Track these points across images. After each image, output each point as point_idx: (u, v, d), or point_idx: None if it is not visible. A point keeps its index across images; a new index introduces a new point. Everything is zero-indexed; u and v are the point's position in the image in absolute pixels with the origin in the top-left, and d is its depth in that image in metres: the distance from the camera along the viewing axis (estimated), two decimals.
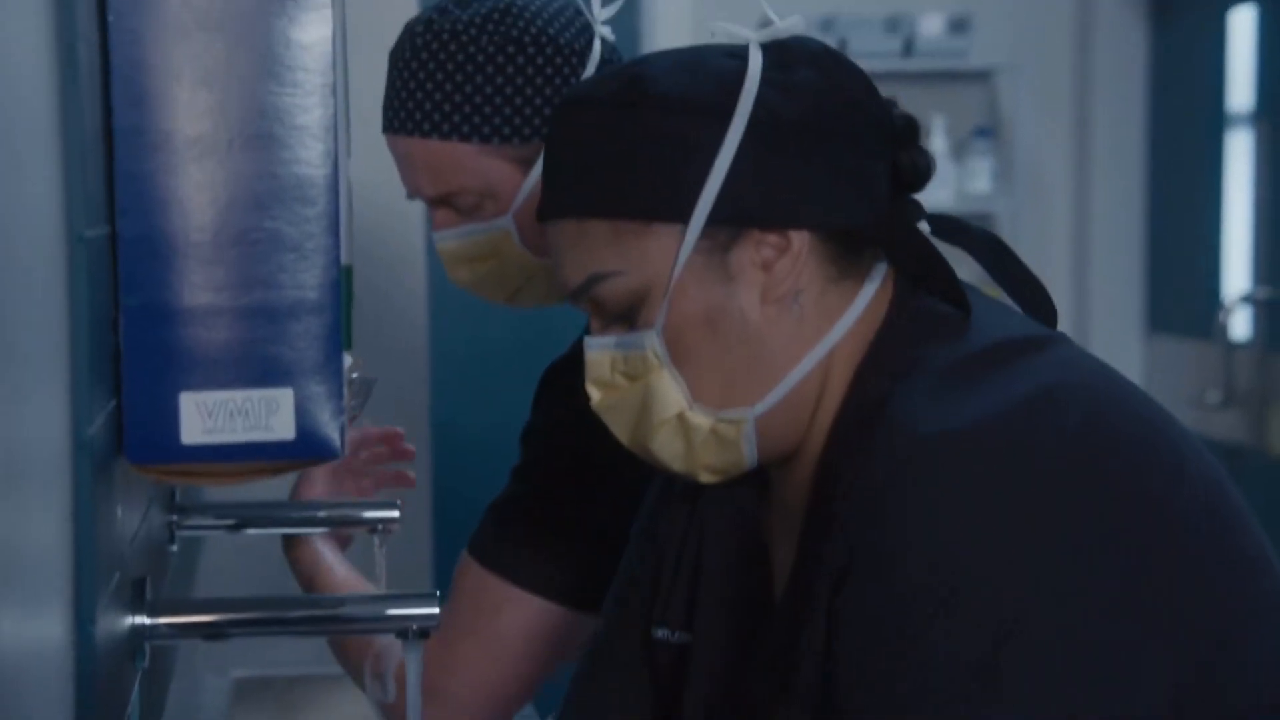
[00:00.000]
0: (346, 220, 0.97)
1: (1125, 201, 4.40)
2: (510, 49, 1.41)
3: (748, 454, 1.06)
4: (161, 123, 0.91)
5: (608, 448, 1.39)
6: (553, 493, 1.41)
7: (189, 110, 0.91)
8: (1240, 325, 3.92)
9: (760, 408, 1.04)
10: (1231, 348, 3.86)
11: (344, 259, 0.95)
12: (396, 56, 1.46)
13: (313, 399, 0.93)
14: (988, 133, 4.40)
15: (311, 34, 0.93)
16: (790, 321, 1.04)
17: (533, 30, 1.42)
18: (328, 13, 0.93)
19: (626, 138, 1.03)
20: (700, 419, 1.04)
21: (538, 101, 1.42)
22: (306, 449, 0.92)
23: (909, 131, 1.08)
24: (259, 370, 0.92)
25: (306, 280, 0.93)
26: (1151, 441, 0.99)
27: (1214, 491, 1.00)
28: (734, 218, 1.02)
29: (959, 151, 4.30)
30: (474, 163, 1.42)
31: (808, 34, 1.08)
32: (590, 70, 1.43)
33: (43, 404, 0.75)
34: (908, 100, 1.22)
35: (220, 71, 0.92)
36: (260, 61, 0.92)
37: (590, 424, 1.38)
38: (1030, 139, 4.38)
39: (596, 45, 1.45)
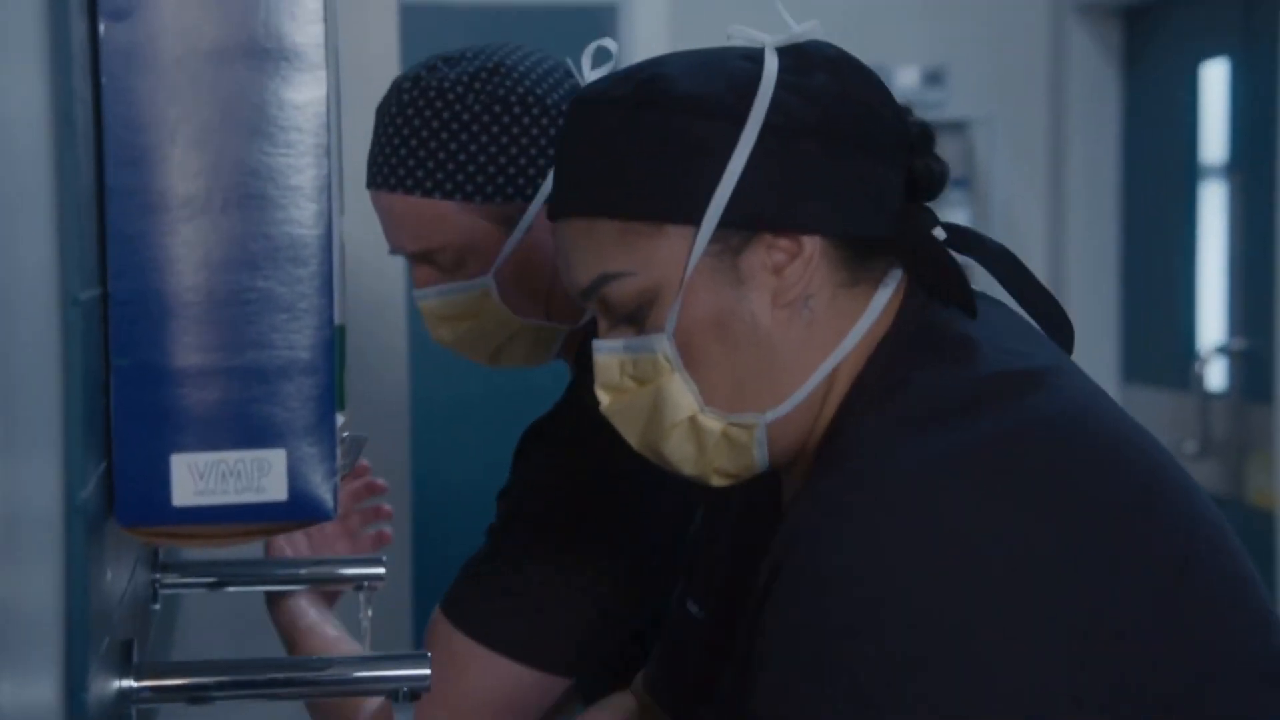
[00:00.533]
0: (339, 280, 0.97)
1: (1100, 252, 4.44)
2: (496, 108, 1.41)
3: (759, 457, 1.06)
4: (154, 183, 0.91)
5: (582, 510, 1.39)
6: (525, 555, 1.39)
7: (182, 170, 0.91)
8: (1216, 375, 3.94)
9: (772, 414, 1.04)
10: (1208, 398, 3.88)
11: (337, 319, 0.94)
12: (383, 112, 1.46)
13: (305, 460, 0.92)
14: (964, 183, 4.43)
15: (305, 95, 0.93)
16: (801, 326, 1.03)
17: (519, 90, 1.42)
18: (322, 74, 0.93)
19: (639, 137, 1.03)
20: (712, 423, 1.04)
21: (522, 161, 1.42)
22: (299, 510, 0.92)
23: (924, 139, 1.08)
24: (251, 431, 0.91)
25: (299, 341, 0.92)
26: (1118, 493, 0.98)
27: (1188, 544, 0.98)
28: (746, 221, 1.02)
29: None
30: (457, 220, 1.42)
31: (824, 38, 1.08)
32: None
33: (36, 467, 0.74)
34: None
35: (213, 132, 0.91)
36: (254, 122, 0.92)
37: (564, 486, 1.39)
38: (1006, 189, 4.42)
39: None
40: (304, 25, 0.93)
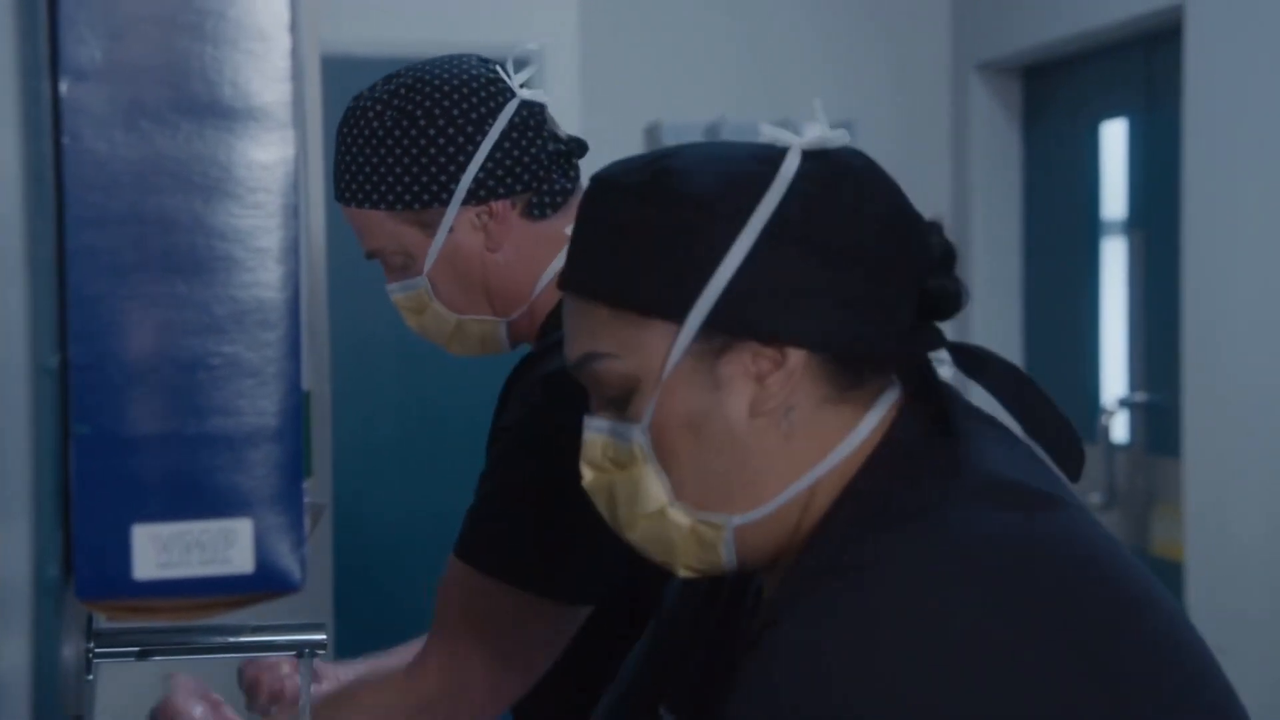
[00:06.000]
0: (307, 344, 0.94)
1: (1003, 306, 4.50)
2: (405, 123, 1.55)
3: (726, 557, 1.05)
4: (117, 244, 0.88)
5: (573, 441, 1.41)
6: (522, 489, 1.47)
7: (145, 232, 0.88)
8: (1120, 429, 4.00)
9: (740, 519, 1.03)
10: (1112, 450, 3.94)
11: (304, 385, 0.92)
12: (337, 130, 1.61)
13: (272, 530, 0.89)
14: None
15: (273, 155, 0.91)
16: (778, 436, 1.02)
17: (426, 104, 1.54)
18: (290, 133, 0.91)
19: (639, 227, 1.02)
20: (681, 517, 1.04)
21: (433, 170, 1.54)
22: (266, 582, 0.89)
23: (945, 258, 1.06)
24: (216, 500, 0.89)
25: (266, 406, 0.90)
26: (1097, 612, 0.96)
27: (1160, 678, 0.96)
28: (731, 326, 1.01)
29: None
30: (389, 227, 1.57)
31: (852, 145, 1.06)
32: (495, 133, 1.55)
33: (5, 541, 0.71)
34: None
35: (179, 192, 0.89)
36: (221, 183, 0.90)
37: (550, 417, 1.44)
38: None
39: (509, 110, 1.55)
40: (272, 84, 0.91)
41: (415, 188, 1.54)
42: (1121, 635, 0.96)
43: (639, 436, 1.03)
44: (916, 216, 1.06)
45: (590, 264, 1.05)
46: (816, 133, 1.04)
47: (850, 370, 1.03)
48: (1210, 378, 3.47)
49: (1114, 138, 4.15)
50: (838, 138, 1.04)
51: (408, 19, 4.19)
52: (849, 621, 0.93)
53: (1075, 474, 1.06)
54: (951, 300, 1.05)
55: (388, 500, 4.11)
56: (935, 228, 1.07)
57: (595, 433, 1.07)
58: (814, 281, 1.00)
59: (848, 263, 1.01)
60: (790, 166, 1.02)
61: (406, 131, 1.54)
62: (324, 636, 1.38)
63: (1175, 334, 3.62)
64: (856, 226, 1.01)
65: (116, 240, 0.88)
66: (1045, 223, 4.44)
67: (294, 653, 1.40)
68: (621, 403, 1.04)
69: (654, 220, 1.02)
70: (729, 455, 1.02)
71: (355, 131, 1.57)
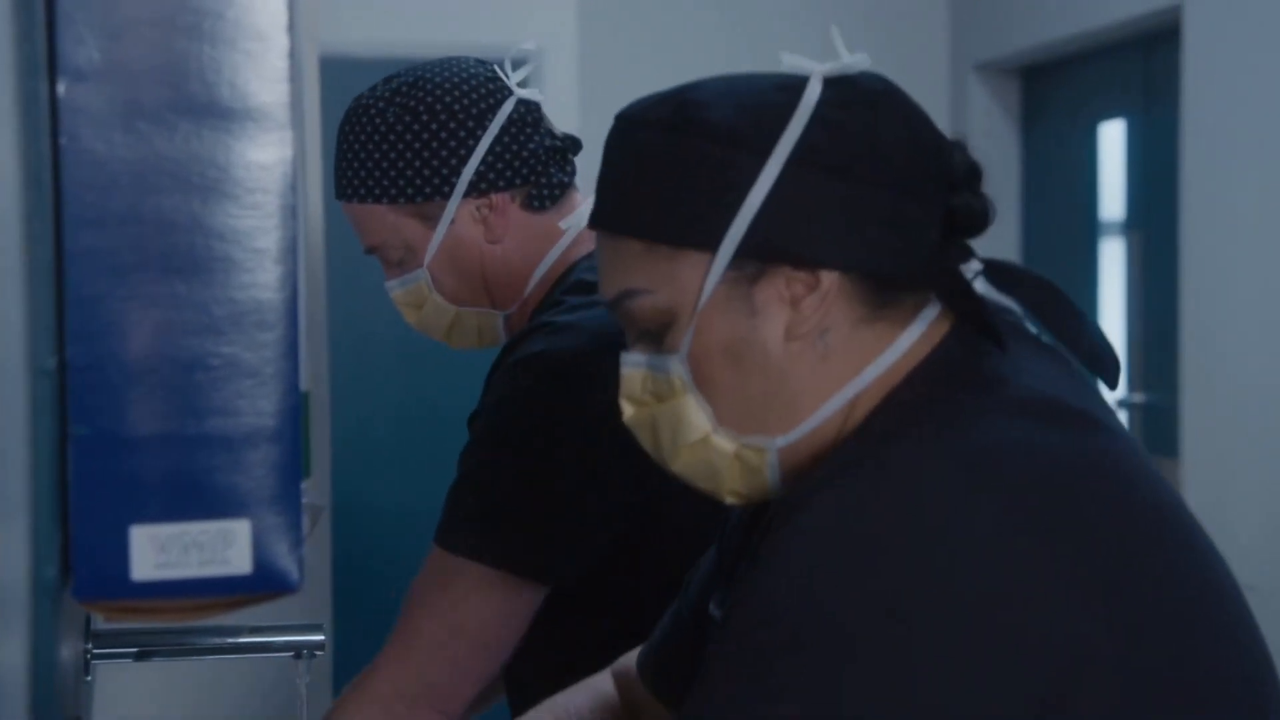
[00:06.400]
0: (305, 345, 0.94)
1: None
2: (408, 118, 1.58)
3: (771, 480, 1.06)
4: (115, 245, 0.88)
5: (551, 422, 1.44)
6: (498, 469, 1.48)
7: (143, 233, 0.88)
8: None
9: (782, 440, 1.04)
10: None
11: (303, 385, 0.92)
12: (338, 130, 1.63)
13: (270, 530, 0.89)
14: None
15: (271, 155, 0.91)
16: (814, 358, 1.03)
17: (428, 100, 1.58)
18: (288, 134, 0.91)
19: (666, 161, 1.04)
20: (725, 443, 1.05)
21: (434, 163, 1.57)
22: (264, 583, 0.89)
23: (970, 177, 1.07)
24: (214, 501, 0.89)
25: (264, 407, 0.90)
26: (1119, 533, 0.95)
27: (1180, 601, 0.96)
28: (763, 252, 1.02)
29: None
30: (390, 221, 1.60)
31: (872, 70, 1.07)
32: (495, 127, 1.59)
33: (2, 542, 0.71)
34: None
35: (176, 193, 0.89)
36: (219, 183, 0.90)
37: (529, 400, 1.47)
38: None
39: (507, 107, 1.59)
40: (270, 84, 0.91)
41: (418, 181, 1.57)
42: (1142, 560, 0.95)
43: (678, 367, 1.05)
44: (940, 136, 1.07)
45: (619, 200, 1.06)
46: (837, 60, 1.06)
47: (884, 289, 1.04)
48: (1209, 378, 3.47)
49: (1112, 138, 4.15)
50: (858, 62, 1.05)
51: (406, 19, 4.20)
52: (845, 518, 0.94)
53: (1113, 383, 1.08)
54: (979, 217, 1.07)
55: (387, 500, 4.12)
56: (959, 146, 1.08)
57: (633, 367, 1.08)
58: (841, 204, 1.02)
59: (873, 184, 1.02)
60: (812, 93, 1.03)
61: (409, 126, 1.57)
62: (322, 637, 1.39)
63: (1173, 334, 3.63)
64: (880, 148, 1.03)
65: (115, 241, 0.88)
66: (1043, 223, 4.44)
67: (292, 653, 1.40)
68: (658, 336, 1.06)
69: (680, 153, 1.03)
70: (767, 380, 1.03)
71: (358, 129, 1.60)
